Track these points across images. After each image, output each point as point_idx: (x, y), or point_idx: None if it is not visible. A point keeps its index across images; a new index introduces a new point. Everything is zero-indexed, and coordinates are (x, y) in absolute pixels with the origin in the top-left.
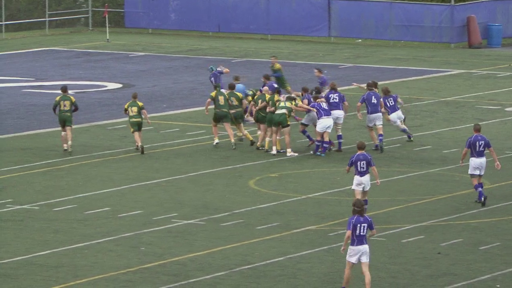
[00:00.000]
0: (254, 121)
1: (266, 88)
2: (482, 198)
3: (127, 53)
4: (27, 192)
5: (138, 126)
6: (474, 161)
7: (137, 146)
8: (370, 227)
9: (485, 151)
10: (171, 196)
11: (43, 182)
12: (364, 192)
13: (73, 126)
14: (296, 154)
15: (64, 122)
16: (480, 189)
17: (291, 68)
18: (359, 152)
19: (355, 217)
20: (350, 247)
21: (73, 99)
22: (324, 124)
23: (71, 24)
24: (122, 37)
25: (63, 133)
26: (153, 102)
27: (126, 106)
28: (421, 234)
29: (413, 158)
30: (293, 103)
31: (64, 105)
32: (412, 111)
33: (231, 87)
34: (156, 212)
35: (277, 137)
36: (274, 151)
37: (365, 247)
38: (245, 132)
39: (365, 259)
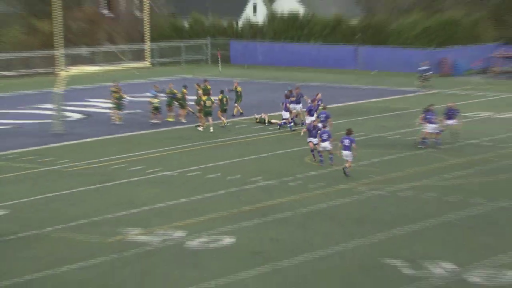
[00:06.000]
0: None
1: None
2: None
3: (232, 79)
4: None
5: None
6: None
7: None
8: (352, 142)
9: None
10: None
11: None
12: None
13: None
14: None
15: None
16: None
17: None
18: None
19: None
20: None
21: None
22: None
23: (197, 61)
24: (228, 69)
25: None
26: (250, 108)
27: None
28: None
29: None
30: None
31: None
32: None
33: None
34: None
35: None
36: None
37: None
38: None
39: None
